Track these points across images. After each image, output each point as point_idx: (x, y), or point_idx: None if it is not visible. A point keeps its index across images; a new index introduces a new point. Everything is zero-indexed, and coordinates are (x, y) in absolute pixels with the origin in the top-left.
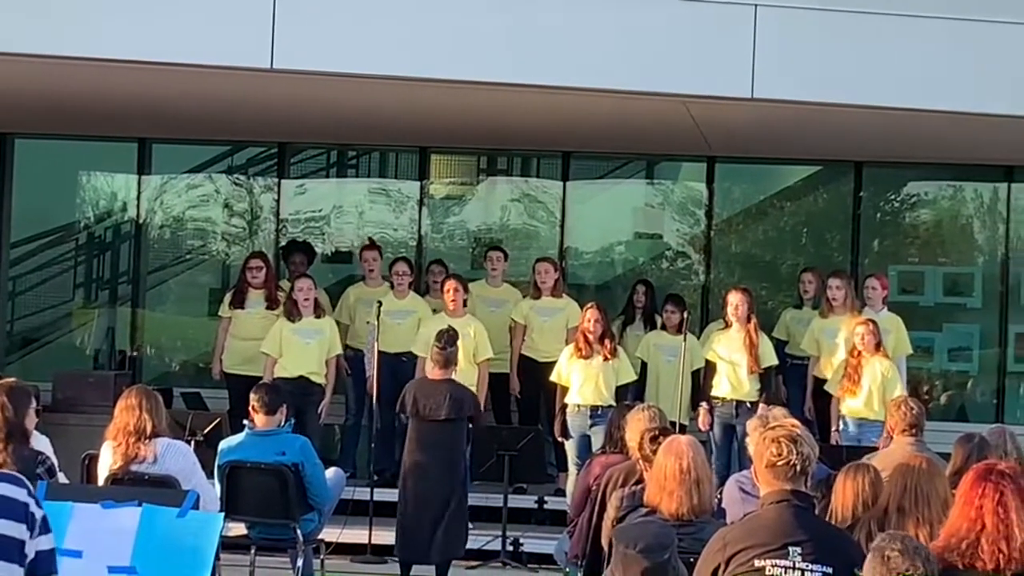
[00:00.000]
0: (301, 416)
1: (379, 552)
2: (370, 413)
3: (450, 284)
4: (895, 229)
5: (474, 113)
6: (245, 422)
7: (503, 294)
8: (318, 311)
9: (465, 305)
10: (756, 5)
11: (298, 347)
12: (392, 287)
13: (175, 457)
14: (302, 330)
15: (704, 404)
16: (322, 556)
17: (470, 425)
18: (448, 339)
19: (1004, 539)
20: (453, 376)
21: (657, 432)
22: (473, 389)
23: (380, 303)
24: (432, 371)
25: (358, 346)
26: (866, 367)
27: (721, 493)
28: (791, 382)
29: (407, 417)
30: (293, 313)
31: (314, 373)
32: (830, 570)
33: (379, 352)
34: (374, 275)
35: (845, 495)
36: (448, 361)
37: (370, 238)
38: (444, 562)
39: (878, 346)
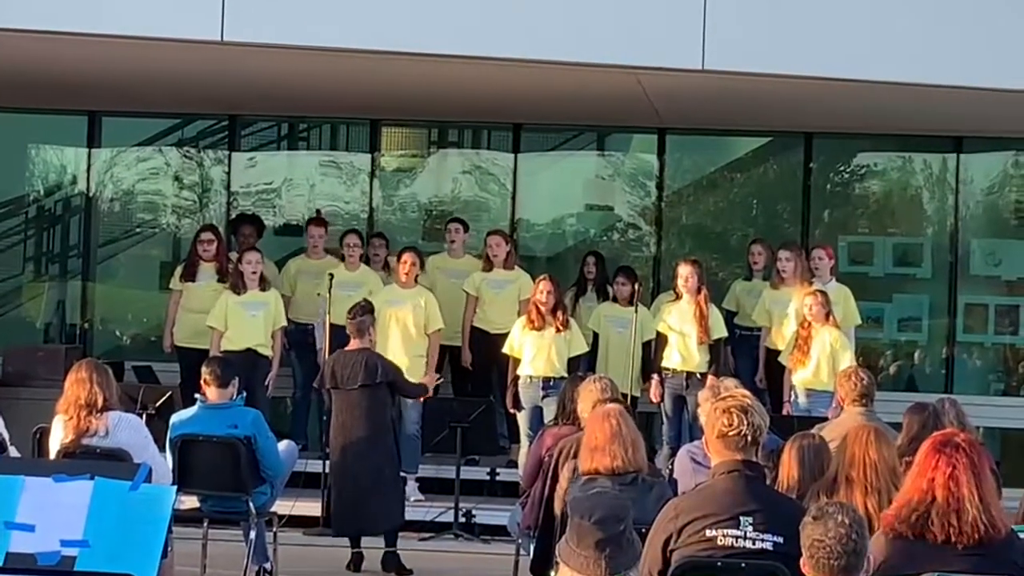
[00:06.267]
0: (249, 389)
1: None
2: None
3: (408, 256)
4: (845, 200)
5: (425, 85)
6: (197, 395)
7: (464, 265)
8: (263, 283)
9: (416, 279)
10: None
11: (244, 319)
12: (343, 260)
13: (127, 430)
14: (248, 303)
15: (655, 375)
16: (275, 529)
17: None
18: (360, 309)
19: (954, 512)
20: (369, 345)
21: (609, 403)
22: (425, 360)
23: (332, 275)
24: (351, 343)
25: (300, 319)
26: (815, 337)
27: (673, 464)
28: (740, 353)
29: (327, 390)
30: (239, 286)
31: (261, 345)
32: (781, 540)
33: (330, 324)
34: (317, 249)
35: (790, 465)
36: (361, 330)
37: (318, 211)
38: (390, 532)
39: (827, 316)
